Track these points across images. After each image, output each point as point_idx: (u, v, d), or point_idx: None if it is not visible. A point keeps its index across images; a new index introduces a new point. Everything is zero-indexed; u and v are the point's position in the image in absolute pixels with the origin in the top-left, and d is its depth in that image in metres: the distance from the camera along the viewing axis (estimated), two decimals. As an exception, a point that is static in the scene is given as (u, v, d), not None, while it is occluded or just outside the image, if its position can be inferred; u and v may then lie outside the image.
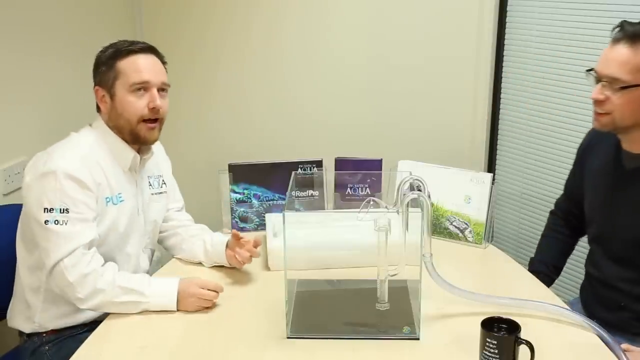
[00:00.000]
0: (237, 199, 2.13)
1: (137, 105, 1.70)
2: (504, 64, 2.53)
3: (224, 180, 2.11)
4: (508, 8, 2.46)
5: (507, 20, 2.47)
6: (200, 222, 2.01)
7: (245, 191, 2.13)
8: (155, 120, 1.74)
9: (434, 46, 2.56)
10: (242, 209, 2.14)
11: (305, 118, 2.76)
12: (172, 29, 2.81)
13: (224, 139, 2.83)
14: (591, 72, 1.63)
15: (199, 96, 2.87)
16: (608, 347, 1.44)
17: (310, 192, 2.13)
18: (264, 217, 2.10)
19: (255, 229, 2.13)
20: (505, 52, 2.51)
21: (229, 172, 2.12)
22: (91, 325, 1.65)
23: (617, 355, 1.42)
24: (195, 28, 2.78)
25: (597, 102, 1.62)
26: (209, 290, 1.66)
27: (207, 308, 1.65)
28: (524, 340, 1.34)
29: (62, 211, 1.60)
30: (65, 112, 2.16)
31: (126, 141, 1.75)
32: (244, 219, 2.14)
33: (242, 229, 2.13)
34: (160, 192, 1.91)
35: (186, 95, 2.89)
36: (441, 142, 2.61)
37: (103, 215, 1.70)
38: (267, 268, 1.87)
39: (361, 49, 2.64)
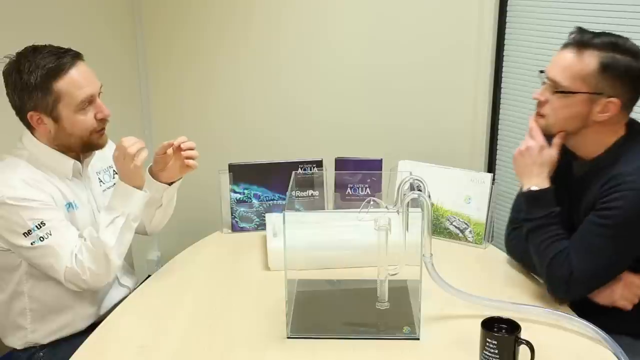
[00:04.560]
0: (237, 199, 2.13)
1: (87, 121, 1.67)
2: (504, 64, 2.53)
3: (224, 180, 2.11)
4: (508, 8, 2.46)
5: (507, 20, 2.47)
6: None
7: (245, 191, 2.13)
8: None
9: (434, 46, 2.56)
10: (242, 209, 2.14)
11: (305, 118, 2.76)
12: (171, 29, 2.82)
13: (224, 139, 2.83)
14: (543, 72, 1.65)
15: (199, 96, 2.87)
16: (608, 348, 1.45)
17: (311, 192, 2.13)
18: (264, 217, 2.10)
19: (255, 229, 2.13)
20: (505, 52, 2.51)
21: (229, 172, 2.12)
22: (85, 331, 1.65)
23: (616, 356, 1.42)
24: (195, 28, 2.78)
25: (538, 103, 1.66)
26: (132, 145, 1.65)
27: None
28: (524, 340, 1.34)
29: (39, 227, 1.59)
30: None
31: (71, 151, 1.72)
32: (244, 219, 2.14)
33: (242, 229, 2.13)
34: (114, 184, 1.86)
35: (186, 95, 2.90)
36: (441, 142, 2.61)
37: (71, 220, 1.68)
38: (267, 268, 1.87)
39: (361, 49, 2.64)
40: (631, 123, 1.64)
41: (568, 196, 1.69)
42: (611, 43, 1.55)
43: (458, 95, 2.60)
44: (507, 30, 2.48)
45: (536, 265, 1.67)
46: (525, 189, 1.68)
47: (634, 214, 1.52)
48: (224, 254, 2.01)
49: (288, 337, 1.52)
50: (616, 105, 1.56)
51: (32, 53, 1.62)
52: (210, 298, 1.73)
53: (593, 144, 1.64)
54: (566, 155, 1.71)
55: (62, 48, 1.66)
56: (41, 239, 1.59)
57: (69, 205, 1.70)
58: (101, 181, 1.85)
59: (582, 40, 1.57)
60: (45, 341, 1.73)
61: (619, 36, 1.58)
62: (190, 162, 1.82)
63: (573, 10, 2.24)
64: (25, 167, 1.66)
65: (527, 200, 1.67)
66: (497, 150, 2.62)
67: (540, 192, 1.65)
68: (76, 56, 1.66)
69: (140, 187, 1.70)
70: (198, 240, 2.07)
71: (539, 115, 1.67)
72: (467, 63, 2.56)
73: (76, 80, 1.63)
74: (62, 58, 1.62)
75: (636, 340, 1.59)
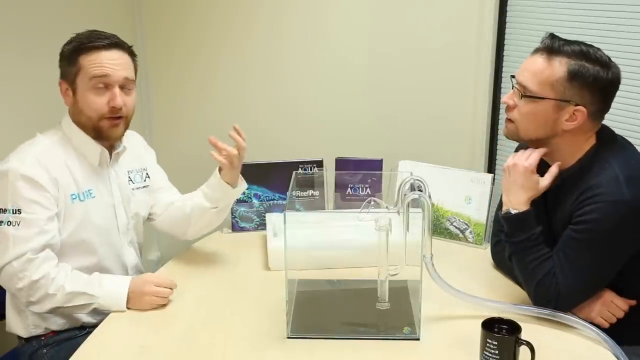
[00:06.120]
0: (238, 198, 2.12)
1: (97, 102, 1.68)
2: (504, 64, 2.53)
3: (224, 180, 2.11)
4: (508, 8, 2.46)
5: (507, 20, 2.47)
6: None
7: (246, 191, 2.12)
8: (118, 117, 1.71)
9: (434, 47, 2.56)
10: (242, 209, 2.14)
11: (306, 118, 2.76)
12: (172, 28, 2.81)
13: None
14: (514, 77, 1.64)
15: (199, 95, 2.86)
16: (608, 348, 1.45)
17: (311, 192, 2.13)
18: (264, 216, 2.11)
19: (256, 229, 2.13)
20: (505, 53, 2.51)
21: (230, 171, 2.11)
22: (89, 330, 1.64)
23: (616, 356, 1.42)
24: (196, 27, 2.78)
25: (507, 108, 1.65)
26: (164, 287, 1.67)
27: (162, 305, 1.66)
28: (524, 341, 1.34)
29: (14, 212, 1.59)
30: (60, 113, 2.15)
31: (91, 137, 1.73)
32: (244, 219, 2.14)
33: (242, 229, 2.13)
34: (145, 186, 1.89)
35: (186, 94, 2.90)
36: (442, 143, 2.61)
37: (70, 212, 1.68)
38: (267, 268, 1.87)
39: (362, 49, 2.64)
40: (601, 131, 1.62)
41: (545, 205, 1.68)
42: (581, 51, 1.54)
43: (458, 96, 2.60)
44: (507, 30, 2.48)
45: (522, 284, 1.65)
46: (505, 209, 1.64)
47: (610, 225, 1.50)
48: (224, 254, 2.01)
49: (288, 337, 1.52)
50: (583, 114, 1.54)
51: (86, 31, 1.70)
52: (210, 298, 1.73)
53: (565, 155, 1.62)
54: (541, 164, 1.69)
55: (110, 35, 1.70)
56: (9, 223, 1.59)
57: (79, 195, 1.69)
58: (131, 180, 1.85)
59: (553, 46, 1.56)
60: (47, 325, 1.72)
61: (590, 45, 1.56)
62: (217, 156, 1.84)
63: (573, 10, 2.24)
64: (46, 146, 1.68)
65: (508, 223, 1.63)
66: (497, 151, 2.62)
67: (522, 215, 1.61)
68: (114, 44, 1.69)
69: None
70: (198, 240, 2.08)
71: (507, 121, 1.65)
72: (467, 63, 2.55)
73: (98, 58, 1.66)
74: (99, 39, 1.67)
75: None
